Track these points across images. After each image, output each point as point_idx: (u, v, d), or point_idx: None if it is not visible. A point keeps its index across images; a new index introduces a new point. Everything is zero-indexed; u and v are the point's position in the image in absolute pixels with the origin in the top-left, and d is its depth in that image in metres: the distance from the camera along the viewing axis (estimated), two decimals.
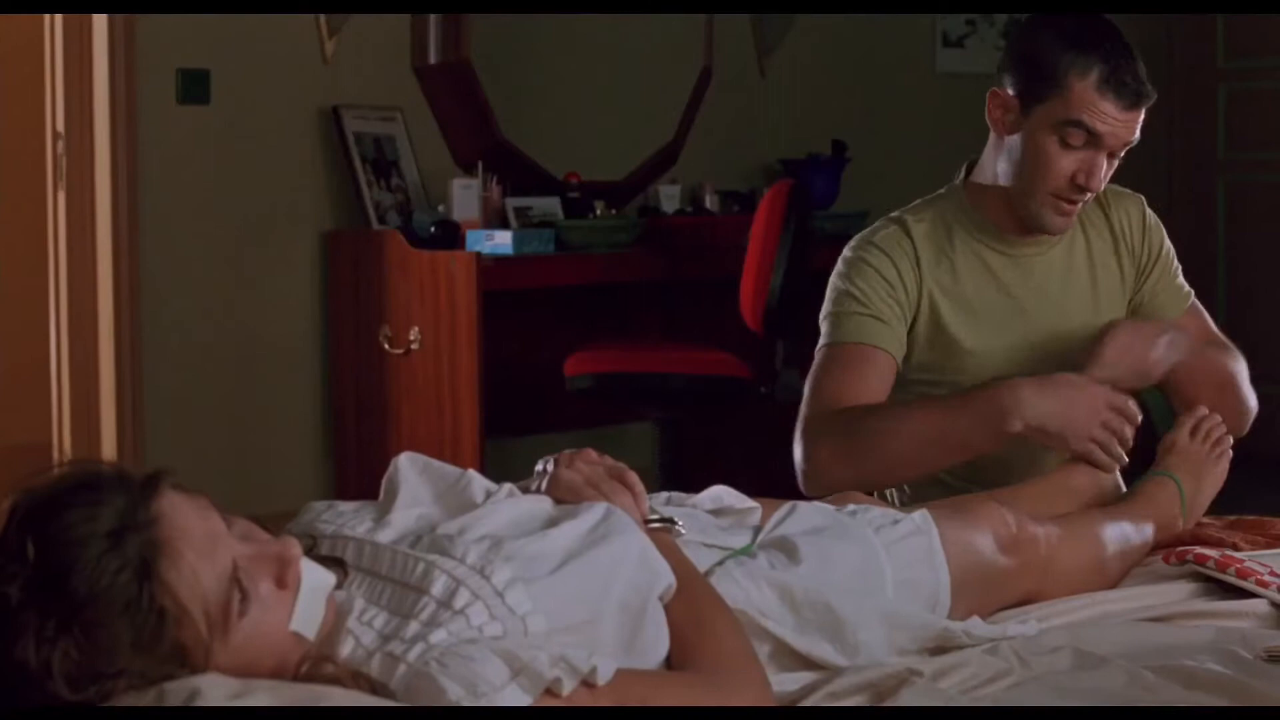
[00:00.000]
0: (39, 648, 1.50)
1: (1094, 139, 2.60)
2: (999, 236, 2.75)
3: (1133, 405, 2.57)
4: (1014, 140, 2.67)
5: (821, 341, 2.74)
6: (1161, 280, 2.83)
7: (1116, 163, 2.66)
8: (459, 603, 1.66)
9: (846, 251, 2.77)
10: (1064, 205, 2.66)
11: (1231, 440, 2.66)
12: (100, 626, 1.52)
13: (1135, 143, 2.64)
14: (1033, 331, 2.74)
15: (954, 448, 2.56)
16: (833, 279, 2.77)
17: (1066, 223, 2.70)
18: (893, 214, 2.80)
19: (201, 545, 1.58)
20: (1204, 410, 2.66)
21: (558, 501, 1.92)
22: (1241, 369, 2.82)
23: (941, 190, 2.81)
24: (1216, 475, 2.62)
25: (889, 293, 2.70)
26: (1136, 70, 2.60)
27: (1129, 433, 2.55)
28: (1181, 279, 2.86)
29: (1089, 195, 2.66)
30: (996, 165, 2.72)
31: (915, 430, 2.55)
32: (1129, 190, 2.86)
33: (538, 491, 1.96)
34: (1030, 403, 2.51)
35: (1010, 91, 2.66)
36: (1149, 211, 2.84)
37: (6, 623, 1.51)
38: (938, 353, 2.73)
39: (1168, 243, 2.84)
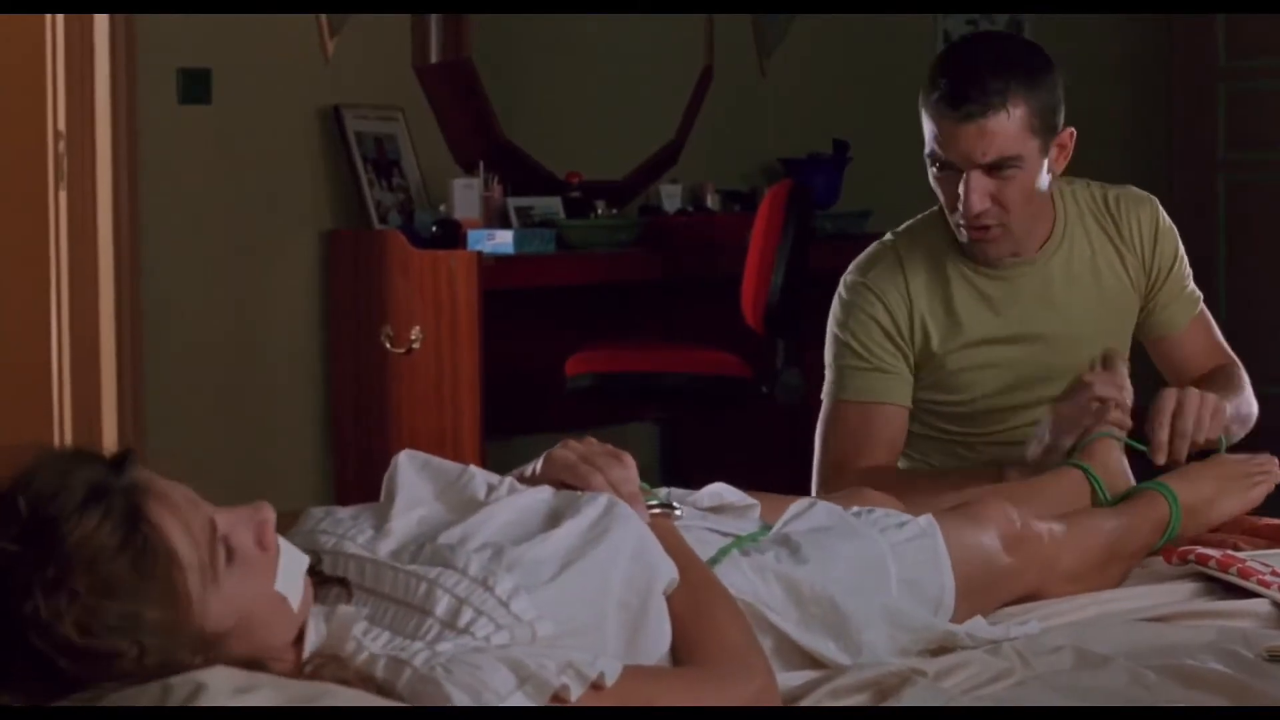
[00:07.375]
0: (46, 597, 1.52)
1: (948, 163, 2.59)
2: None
3: (1115, 375, 2.59)
4: None
5: (828, 390, 2.75)
6: (1172, 291, 2.80)
7: (1013, 174, 2.57)
8: (463, 621, 1.67)
9: (842, 288, 2.77)
10: (964, 231, 2.65)
11: (1276, 480, 2.62)
12: (99, 566, 1.54)
13: (1008, 159, 2.56)
14: (1035, 349, 2.73)
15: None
16: (831, 321, 2.76)
17: (989, 248, 2.66)
18: (888, 237, 2.79)
19: (181, 501, 1.61)
20: (1271, 458, 2.63)
21: (557, 485, 1.93)
22: (1244, 381, 2.79)
23: (935, 208, 2.77)
24: (1248, 498, 2.58)
25: (887, 338, 2.70)
26: (984, 82, 2.53)
27: (1124, 396, 2.57)
28: (1191, 284, 2.83)
29: (988, 217, 2.60)
30: None
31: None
32: (1144, 193, 2.81)
33: (534, 474, 1.97)
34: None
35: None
36: (1162, 217, 2.79)
37: (7, 579, 1.54)
38: (935, 376, 2.73)
39: (1180, 250, 2.80)
